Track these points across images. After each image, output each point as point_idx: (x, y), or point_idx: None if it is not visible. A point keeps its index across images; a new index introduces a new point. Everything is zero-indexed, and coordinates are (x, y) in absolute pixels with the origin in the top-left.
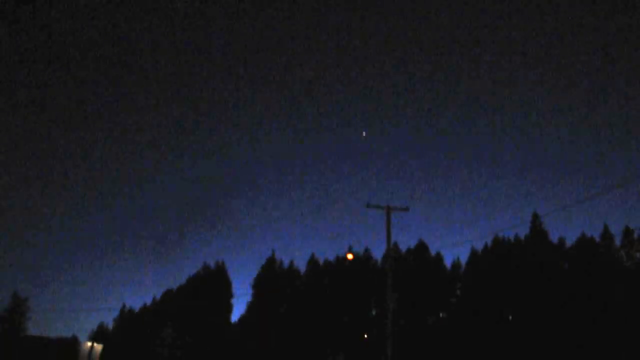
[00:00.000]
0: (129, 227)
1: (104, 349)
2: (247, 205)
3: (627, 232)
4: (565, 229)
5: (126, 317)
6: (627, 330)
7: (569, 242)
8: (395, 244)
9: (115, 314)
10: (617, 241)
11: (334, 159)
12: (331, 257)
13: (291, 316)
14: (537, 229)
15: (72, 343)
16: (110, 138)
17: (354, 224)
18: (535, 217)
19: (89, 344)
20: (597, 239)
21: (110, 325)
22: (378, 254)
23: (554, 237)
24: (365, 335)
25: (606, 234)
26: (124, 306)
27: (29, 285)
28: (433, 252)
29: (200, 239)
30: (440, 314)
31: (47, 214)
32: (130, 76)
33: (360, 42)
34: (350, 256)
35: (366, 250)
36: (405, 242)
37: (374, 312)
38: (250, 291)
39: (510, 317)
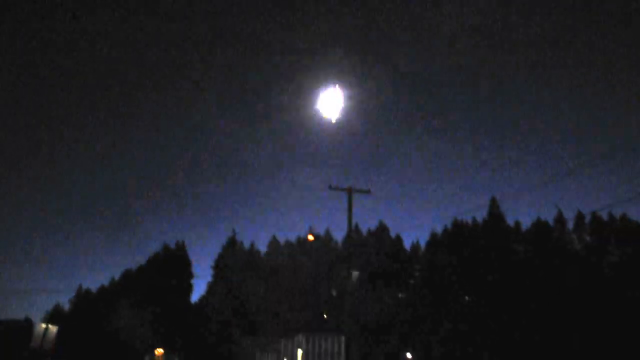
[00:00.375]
0: (86, 206)
1: (59, 331)
2: (208, 185)
3: (579, 217)
4: (522, 213)
5: (83, 298)
6: (578, 310)
7: (525, 226)
8: (357, 226)
9: (72, 295)
10: (570, 225)
11: (296, 141)
12: (292, 238)
13: (251, 297)
14: (494, 213)
15: (25, 325)
16: (66, 115)
17: (316, 205)
18: (493, 201)
19: (43, 325)
20: (551, 223)
21: (67, 307)
22: (339, 235)
23: (511, 221)
24: (325, 315)
25: (560, 218)
26: (80, 287)
27: None
28: (393, 234)
29: (160, 219)
30: (399, 295)
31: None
32: (87, 53)
33: (325, 22)
34: (311, 237)
35: (327, 231)
36: (367, 224)
37: (334, 293)
38: (210, 272)
39: (467, 298)
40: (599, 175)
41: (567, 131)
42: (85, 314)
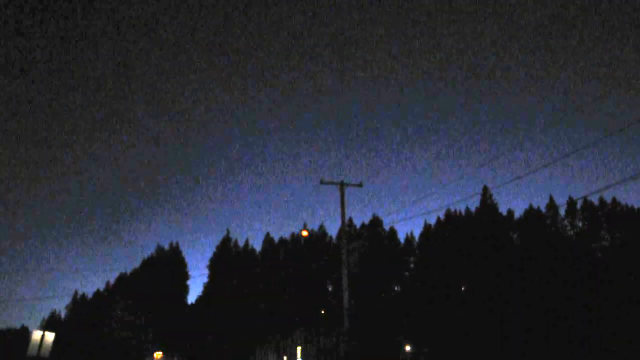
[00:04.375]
0: (79, 212)
1: (56, 338)
2: (200, 186)
3: (571, 203)
4: (514, 202)
5: (79, 304)
6: (572, 296)
7: (517, 214)
8: (350, 220)
9: (68, 301)
10: (562, 211)
11: (288, 137)
12: (286, 235)
13: (248, 295)
14: (487, 202)
15: (21, 333)
16: (59, 119)
17: (309, 201)
18: (485, 190)
19: (40, 332)
20: (544, 210)
21: (63, 314)
22: (333, 230)
23: (503, 209)
24: (323, 311)
25: (551, 205)
26: (76, 293)
27: None
28: (387, 227)
29: (153, 222)
30: (395, 287)
31: None
32: (80, 43)
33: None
34: (305, 233)
35: (321, 226)
36: (360, 218)
37: (330, 288)
38: (206, 272)
39: (463, 288)
40: (590, 160)
41: (555, 118)
42: (81, 320)
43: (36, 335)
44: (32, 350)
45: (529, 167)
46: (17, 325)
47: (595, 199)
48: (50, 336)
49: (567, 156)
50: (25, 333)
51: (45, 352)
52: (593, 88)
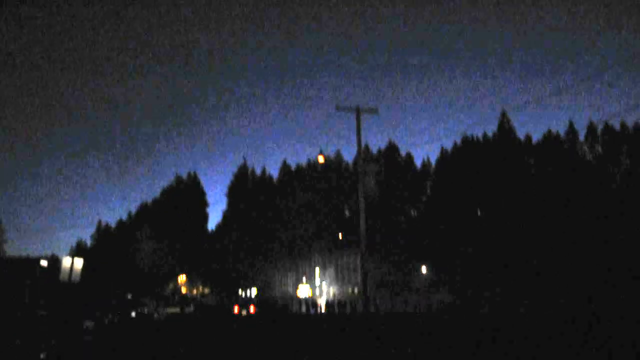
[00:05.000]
0: (99, 141)
1: (84, 264)
2: (217, 114)
3: (591, 127)
4: (532, 127)
5: (103, 232)
6: (588, 221)
7: (535, 139)
8: (366, 146)
9: (92, 230)
10: (581, 136)
11: (303, 63)
12: (303, 162)
13: (266, 221)
14: (504, 127)
15: (53, 260)
16: (80, 52)
17: (325, 128)
18: (503, 114)
19: (69, 259)
20: (563, 135)
21: (89, 242)
22: (349, 157)
23: (521, 135)
24: (340, 235)
25: (571, 129)
26: (100, 222)
27: (1, 207)
28: (403, 153)
29: (171, 151)
30: (412, 211)
31: (15, 134)
32: None
33: None
34: (321, 159)
35: (337, 153)
36: (376, 144)
37: (347, 213)
38: (225, 200)
39: (479, 213)
40: (611, 82)
41: (576, 40)
42: (107, 247)
43: (66, 261)
44: (63, 275)
45: (548, 90)
46: (48, 253)
47: (616, 123)
48: (79, 262)
49: (588, 79)
50: (55, 260)
51: (76, 277)
52: (621, 9)
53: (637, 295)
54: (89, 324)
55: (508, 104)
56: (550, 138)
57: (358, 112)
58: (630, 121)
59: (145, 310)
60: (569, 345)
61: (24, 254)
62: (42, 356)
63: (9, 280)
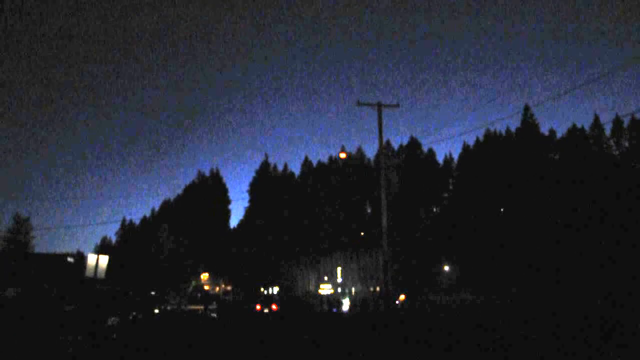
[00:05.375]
0: (123, 140)
1: (109, 261)
2: (239, 111)
3: (617, 121)
4: (556, 122)
5: (127, 229)
6: (615, 217)
7: (559, 134)
8: (388, 142)
9: (117, 228)
10: (608, 130)
11: (325, 59)
12: (324, 159)
13: (288, 218)
14: (528, 121)
15: (78, 257)
16: (104, 48)
17: (346, 124)
18: (527, 109)
19: (94, 256)
20: (588, 130)
21: (113, 239)
22: (370, 153)
23: (545, 129)
24: (362, 233)
25: (596, 124)
26: (124, 220)
27: (29, 204)
28: (425, 149)
29: (194, 148)
30: (434, 209)
31: (41, 131)
32: None
33: None
34: (342, 155)
35: (359, 149)
36: (398, 140)
37: (369, 210)
38: (247, 197)
39: (502, 209)
40: (637, 75)
41: (601, 32)
42: (131, 244)
43: (91, 258)
44: (89, 272)
45: (573, 84)
46: (73, 250)
47: None
48: (104, 259)
49: (614, 72)
50: (80, 256)
51: (101, 273)
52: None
53: None
54: (113, 320)
55: (532, 98)
56: (575, 133)
57: (380, 107)
58: None
59: (169, 307)
60: (588, 345)
61: (50, 250)
62: (69, 350)
63: (37, 276)
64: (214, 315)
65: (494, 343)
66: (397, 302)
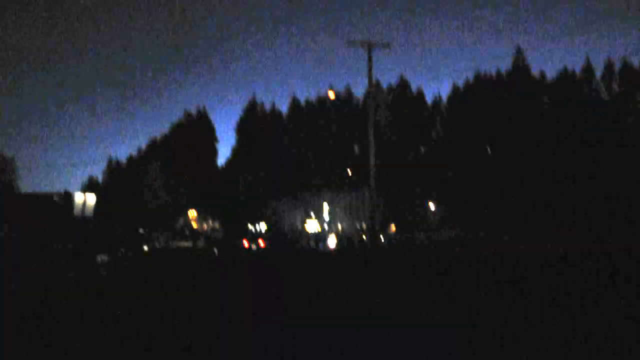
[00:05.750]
0: (109, 77)
1: (96, 200)
2: (225, 48)
3: (609, 65)
4: (549, 64)
5: (114, 168)
6: (602, 161)
7: (550, 77)
8: (377, 82)
9: (103, 167)
10: (598, 74)
11: None
12: (313, 98)
13: (276, 156)
14: (519, 64)
15: (66, 196)
16: None
17: (335, 63)
18: (518, 50)
19: (82, 195)
20: (578, 73)
21: (100, 178)
22: (360, 94)
23: (536, 72)
24: (349, 171)
25: (587, 67)
26: (110, 158)
27: (13, 143)
28: (414, 89)
29: (180, 86)
30: (422, 148)
31: (24, 71)
32: None
33: None
34: (331, 94)
35: (347, 88)
36: (387, 81)
37: (357, 149)
38: (234, 136)
39: (489, 151)
40: (631, 19)
41: None
42: (118, 183)
43: (79, 197)
44: (77, 210)
45: (566, 26)
46: (60, 189)
47: (636, 61)
48: (91, 198)
49: (608, 14)
50: (68, 196)
51: (89, 212)
52: None
53: None
54: (103, 257)
55: (526, 39)
56: (565, 76)
57: (369, 46)
58: None
59: (157, 245)
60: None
61: (37, 190)
62: (59, 286)
63: (24, 216)
64: (203, 250)
65: (467, 271)
66: (382, 238)
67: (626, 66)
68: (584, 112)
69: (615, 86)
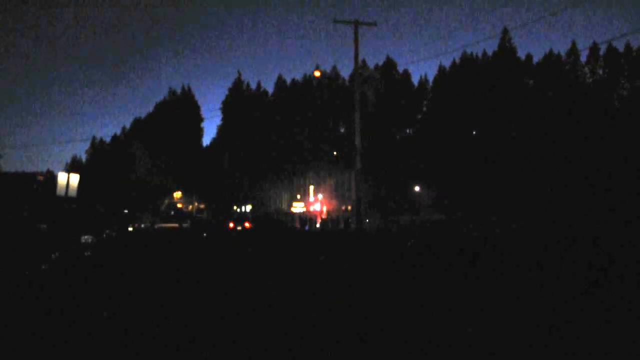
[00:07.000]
0: (92, 56)
1: (80, 180)
2: (211, 27)
3: (594, 48)
4: (535, 47)
5: (98, 148)
6: (585, 141)
7: (536, 59)
8: (364, 61)
9: (87, 146)
10: (583, 57)
11: None
12: (299, 77)
13: (261, 137)
14: (505, 45)
15: (49, 176)
16: None
17: (322, 42)
18: (505, 32)
19: (65, 174)
20: (564, 56)
21: (84, 158)
22: (346, 73)
23: (522, 54)
24: (335, 153)
25: (573, 50)
26: (94, 138)
27: None
28: (401, 69)
29: (165, 64)
30: (407, 130)
31: (6, 50)
32: None
33: None
34: (317, 73)
35: (334, 67)
36: (374, 61)
37: (342, 130)
38: (219, 115)
39: (475, 132)
40: (617, 2)
41: None
42: (102, 163)
43: (62, 177)
44: (60, 190)
45: (552, 8)
46: (43, 169)
47: (621, 45)
48: (75, 178)
49: None
50: (51, 176)
51: (72, 192)
52: None
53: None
54: (87, 238)
55: (514, 21)
56: (551, 59)
57: (356, 25)
58: (636, 42)
59: (142, 225)
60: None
61: (19, 169)
62: (43, 267)
63: (6, 195)
64: (189, 231)
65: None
66: (367, 220)
67: (611, 50)
68: (569, 95)
69: (599, 70)
